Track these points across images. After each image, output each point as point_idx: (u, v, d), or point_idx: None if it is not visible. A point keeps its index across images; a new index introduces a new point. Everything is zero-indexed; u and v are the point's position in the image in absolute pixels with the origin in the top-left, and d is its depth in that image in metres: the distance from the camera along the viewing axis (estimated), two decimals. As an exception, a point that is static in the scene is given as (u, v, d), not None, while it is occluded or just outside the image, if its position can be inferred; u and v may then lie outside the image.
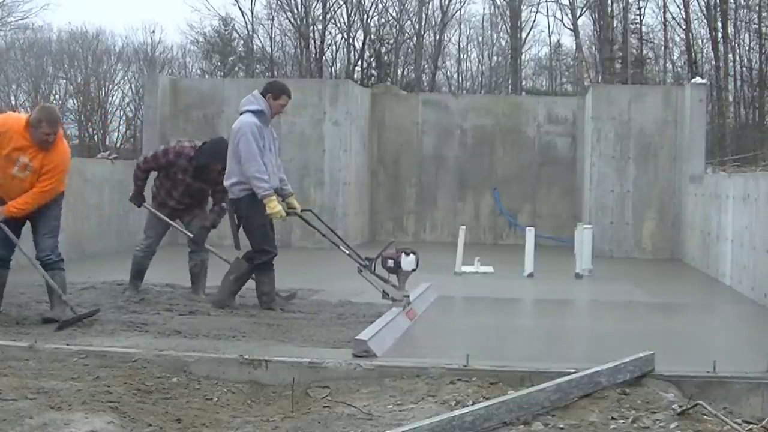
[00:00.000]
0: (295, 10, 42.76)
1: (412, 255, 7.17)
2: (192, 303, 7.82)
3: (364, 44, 42.52)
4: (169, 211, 8.34)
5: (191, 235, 8.26)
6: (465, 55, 45.92)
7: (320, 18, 42.87)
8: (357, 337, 5.85)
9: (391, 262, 7.20)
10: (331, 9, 42.88)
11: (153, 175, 8.42)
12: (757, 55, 38.18)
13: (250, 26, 44.17)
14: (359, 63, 43.00)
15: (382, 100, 16.89)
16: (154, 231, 8.42)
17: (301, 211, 7.78)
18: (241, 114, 7.50)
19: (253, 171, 7.24)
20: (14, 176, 6.65)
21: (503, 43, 43.99)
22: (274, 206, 7.28)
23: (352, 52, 43.18)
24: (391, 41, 42.89)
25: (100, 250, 11.76)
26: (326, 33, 43.10)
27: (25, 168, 6.63)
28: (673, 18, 40.69)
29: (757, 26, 37.74)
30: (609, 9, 40.25)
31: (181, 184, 8.20)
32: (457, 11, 43.92)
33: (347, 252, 7.53)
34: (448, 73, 45.50)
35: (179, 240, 8.59)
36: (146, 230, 8.47)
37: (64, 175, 6.84)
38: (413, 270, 7.25)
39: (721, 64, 37.34)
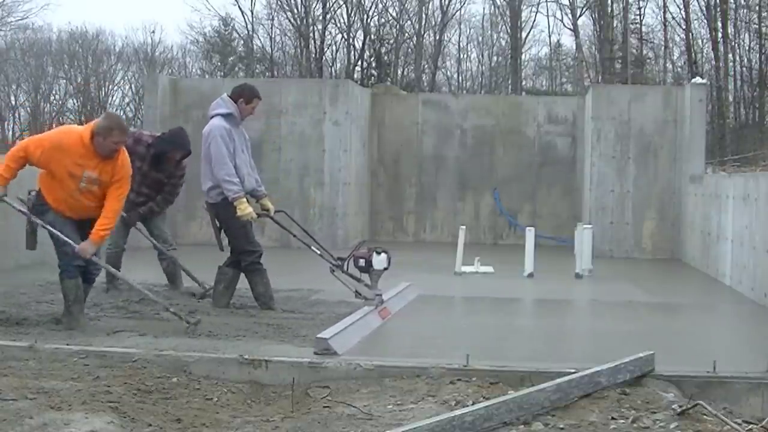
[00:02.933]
0: (295, 10, 42.80)
1: (383, 254, 7.25)
2: (192, 303, 7.83)
3: (364, 44, 42.55)
4: (128, 204, 8.35)
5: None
6: (465, 55, 46.00)
7: (320, 18, 42.91)
8: (318, 336, 5.88)
9: (362, 262, 7.28)
10: (331, 9, 42.92)
11: None
12: (757, 55, 38.20)
13: (250, 26, 44.24)
14: (359, 63, 43.04)
15: (382, 100, 16.89)
16: (118, 227, 8.46)
17: (275, 212, 7.81)
18: (210, 118, 7.53)
19: (222, 174, 7.30)
20: (82, 191, 6.49)
21: (503, 43, 44.06)
22: (245, 208, 7.32)
23: (352, 52, 43.22)
24: (391, 41, 42.91)
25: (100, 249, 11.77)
26: (326, 33, 43.17)
27: (92, 182, 6.47)
28: (673, 18, 40.74)
29: (757, 26, 37.75)
30: (609, 9, 40.26)
31: (138, 172, 8.21)
32: (457, 11, 44.00)
33: (319, 252, 7.59)
34: (448, 73, 45.57)
35: (179, 240, 8.62)
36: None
37: (129, 179, 6.79)
38: (385, 269, 7.33)
39: (721, 64, 37.34)
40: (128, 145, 8.16)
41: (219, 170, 7.31)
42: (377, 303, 7.28)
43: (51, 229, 6.55)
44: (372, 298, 7.28)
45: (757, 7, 37.58)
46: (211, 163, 7.36)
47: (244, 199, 7.37)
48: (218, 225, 7.58)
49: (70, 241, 6.58)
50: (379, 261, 7.23)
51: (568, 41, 50.31)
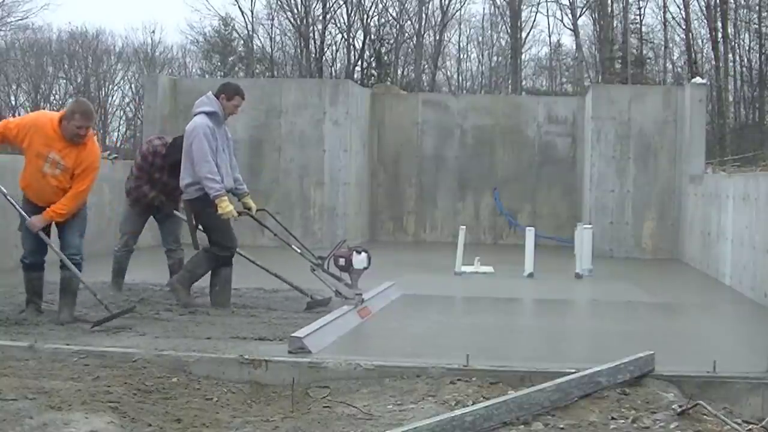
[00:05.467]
0: (295, 10, 42.80)
1: (363, 253, 7.29)
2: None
3: (364, 44, 42.55)
4: (143, 207, 8.42)
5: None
6: (465, 55, 46.01)
7: (320, 18, 42.91)
8: (293, 335, 5.88)
9: (342, 261, 7.30)
10: (331, 9, 42.92)
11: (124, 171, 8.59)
12: (757, 55, 38.23)
13: (250, 26, 44.24)
14: (359, 63, 43.03)
15: (382, 100, 16.89)
16: (131, 228, 8.57)
17: (256, 211, 7.82)
18: (194, 115, 7.55)
19: (204, 172, 7.32)
20: (45, 174, 6.63)
21: (503, 43, 44.05)
22: (226, 206, 7.33)
23: (352, 52, 43.21)
24: (391, 41, 42.91)
25: (100, 249, 11.75)
26: (326, 33, 43.17)
27: (56, 166, 6.62)
28: (673, 18, 40.76)
29: (757, 26, 37.76)
30: (609, 9, 40.26)
31: (159, 182, 8.31)
32: (457, 11, 44.00)
33: (299, 251, 7.58)
34: (448, 73, 45.57)
35: (183, 240, 8.64)
36: (122, 229, 8.65)
37: (97, 173, 6.86)
38: (365, 268, 7.36)
39: (721, 64, 37.35)
40: (146, 158, 8.24)
41: (201, 168, 7.33)
42: (357, 302, 7.29)
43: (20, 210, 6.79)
44: (352, 297, 7.30)
45: (757, 7, 37.60)
46: (192, 161, 7.38)
47: (226, 198, 7.39)
48: (195, 223, 7.60)
49: (24, 214, 6.78)
50: (359, 260, 7.28)
51: (568, 41, 50.44)
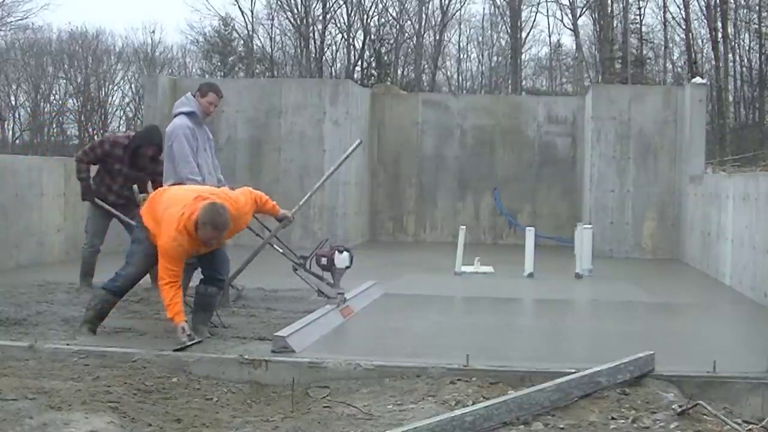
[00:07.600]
0: (295, 10, 42.87)
1: (345, 253, 7.32)
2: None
3: (364, 44, 42.59)
4: (109, 206, 8.44)
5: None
6: (465, 55, 46.07)
7: (320, 18, 42.97)
8: (276, 334, 5.87)
9: (324, 260, 7.31)
10: (331, 9, 42.98)
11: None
12: (757, 55, 38.27)
13: (250, 26, 44.31)
14: (359, 63, 43.07)
15: (382, 100, 16.87)
16: (93, 228, 8.62)
17: None
18: (174, 116, 7.57)
19: (186, 172, 7.34)
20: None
21: (503, 43, 44.11)
22: None
23: (352, 52, 43.26)
24: (391, 41, 42.94)
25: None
26: (326, 33, 43.24)
27: (212, 246, 6.19)
28: (673, 18, 40.82)
29: (757, 26, 37.78)
30: (609, 9, 40.29)
31: (119, 174, 8.42)
32: (457, 11, 44.07)
33: (281, 251, 7.59)
34: (448, 73, 45.61)
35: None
36: (87, 228, 8.70)
37: (245, 195, 6.48)
38: (347, 267, 7.39)
39: (721, 64, 37.37)
40: (106, 150, 8.41)
41: (183, 168, 7.35)
42: (339, 301, 7.30)
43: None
44: (334, 296, 7.31)
45: (757, 7, 37.63)
46: (173, 162, 7.40)
47: None
48: None
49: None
50: (341, 260, 7.30)
51: (568, 41, 50.50)
